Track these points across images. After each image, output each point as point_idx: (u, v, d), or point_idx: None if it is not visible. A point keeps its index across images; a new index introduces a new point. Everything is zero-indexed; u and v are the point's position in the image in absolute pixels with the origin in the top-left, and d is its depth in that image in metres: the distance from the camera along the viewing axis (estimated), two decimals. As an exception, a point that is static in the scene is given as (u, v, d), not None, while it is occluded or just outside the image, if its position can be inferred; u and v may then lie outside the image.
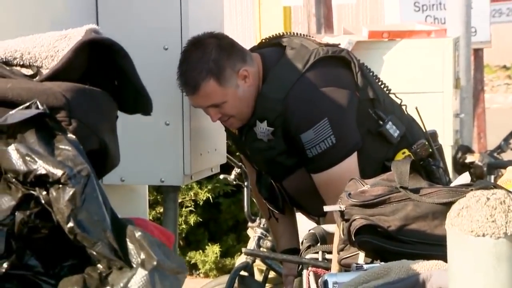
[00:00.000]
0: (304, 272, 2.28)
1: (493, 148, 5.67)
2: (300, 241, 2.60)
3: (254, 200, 3.93)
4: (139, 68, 1.68)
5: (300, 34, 2.91)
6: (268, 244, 4.06)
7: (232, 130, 2.90)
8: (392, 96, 2.94)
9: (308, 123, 2.68)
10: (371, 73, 2.89)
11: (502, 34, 12.69)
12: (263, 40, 2.95)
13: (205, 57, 2.66)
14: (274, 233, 3.28)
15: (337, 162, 2.71)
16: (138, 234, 1.37)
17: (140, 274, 1.34)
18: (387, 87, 2.94)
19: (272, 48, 2.85)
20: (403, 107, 2.93)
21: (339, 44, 2.90)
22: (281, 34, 2.89)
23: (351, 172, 2.65)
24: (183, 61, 2.68)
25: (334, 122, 2.68)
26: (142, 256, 1.36)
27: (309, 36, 2.96)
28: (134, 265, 1.35)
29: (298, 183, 2.83)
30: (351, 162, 2.72)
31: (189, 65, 2.67)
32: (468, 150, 5.47)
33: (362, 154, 2.75)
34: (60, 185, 1.35)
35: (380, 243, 1.95)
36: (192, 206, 5.68)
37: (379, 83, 2.91)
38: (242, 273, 3.89)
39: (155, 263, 1.34)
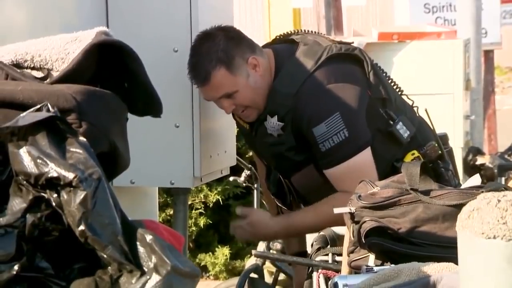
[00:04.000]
0: (314, 274, 2.28)
1: (504, 149, 5.66)
2: (310, 243, 2.60)
3: (264, 202, 3.94)
4: (149, 70, 1.68)
5: (314, 31, 2.92)
6: (278, 246, 4.06)
7: (243, 124, 2.91)
8: (404, 97, 2.93)
9: (320, 117, 2.68)
10: (383, 73, 2.89)
11: (512, 35, 12.65)
12: (277, 37, 2.96)
13: (214, 48, 2.68)
14: None
15: (351, 155, 2.70)
16: (149, 237, 1.37)
17: (155, 279, 1.34)
18: (399, 87, 2.94)
19: (285, 44, 2.86)
20: (415, 109, 2.93)
21: (352, 43, 2.91)
22: (295, 31, 2.91)
23: (367, 166, 2.65)
24: (193, 55, 2.70)
25: (346, 117, 2.68)
26: (154, 260, 1.36)
27: (323, 34, 2.96)
28: (146, 269, 1.35)
29: (306, 179, 2.83)
30: (366, 156, 2.71)
31: (198, 57, 2.69)
32: (478, 152, 5.46)
33: (371, 153, 2.75)
34: (72, 188, 1.35)
35: (390, 245, 1.95)
36: (202, 208, 5.68)
37: (391, 83, 2.91)
38: (252, 275, 3.89)
39: (169, 268, 1.34)
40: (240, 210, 2.95)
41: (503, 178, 5.11)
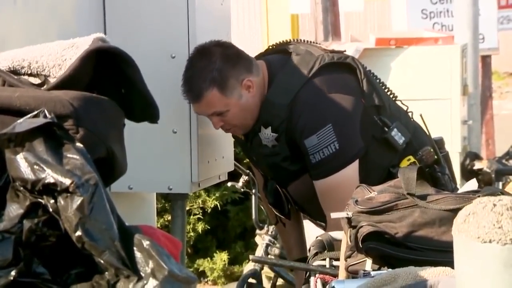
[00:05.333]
0: (312, 279, 2.28)
1: (502, 154, 5.66)
2: (308, 248, 2.60)
3: (262, 207, 3.94)
4: (147, 77, 1.69)
5: (307, 41, 2.92)
6: (276, 251, 4.06)
7: (239, 136, 2.92)
8: (398, 102, 2.94)
9: (312, 129, 2.69)
10: (377, 80, 2.89)
11: (510, 40, 12.67)
12: (270, 47, 2.96)
13: (210, 66, 2.68)
14: (282, 238, 3.30)
15: (337, 169, 2.71)
16: (146, 243, 1.38)
17: (152, 284, 1.34)
18: (393, 93, 2.94)
19: (278, 54, 2.86)
20: (409, 114, 2.93)
21: (345, 51, 2.91)
22: (288, 41, 2.91)
23: (350, 181, 2.65)
24: (188, 69, 2.70)
25: (338, 128, 2.68)
26: (151, 265, 1.36)
27: (316, 42, 2.97)
28: (143, 274, 1.36)
29: (302, 188, 2.83)
30: (352, 170, 2.72)
31: (193, 72, 2.69)
32: (476, 156, 5.46)
33: (367, 161, 2.76)
34: (68, 194, 1.35)
35: (387, 249, 1.95)
36: (200, 213, 5.68)
37: (385, 90, 2.91)
38: (251, 280, 3.90)
39: (166, 273, 1.35)
40: None
41: (500, 183, 5.11)
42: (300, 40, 2.91)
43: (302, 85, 2.72)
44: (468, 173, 5.23)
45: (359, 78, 2.78)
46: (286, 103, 2.72)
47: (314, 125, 2.69)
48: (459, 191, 2.21)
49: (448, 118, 5.27)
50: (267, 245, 4.11)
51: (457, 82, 5.34)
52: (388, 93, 2.92)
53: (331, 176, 2.71)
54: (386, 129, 2.79)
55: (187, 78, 2.70)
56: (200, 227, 5.68)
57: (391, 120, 2.80)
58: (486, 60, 8.36)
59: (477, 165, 5.30)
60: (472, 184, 2.20)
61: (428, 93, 5.21)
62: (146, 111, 1.71)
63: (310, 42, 2.90)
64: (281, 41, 2.92)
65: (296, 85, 2.72)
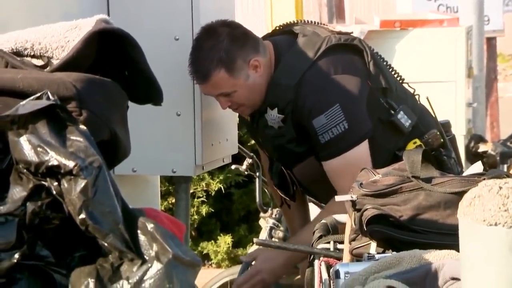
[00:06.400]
0: (316, 262, 2.28)
1: (506, 137, 5.65)
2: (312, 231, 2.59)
3: (266, 190, 3.93)
4: (150, 59, 1.68)
5: (313, 22, 2.91)
6: (280, 234, 4.05)
7: (245, 116, 2.91)
8: (405, 85, 2.93)
9: (320, 109, 2.68)
10: (384, 62, 2.88)
11: (515, 22, 12.60)
12: (277, 28, 2.95)
13: (217, 46, 2.67)
14: (287, 220, 3.30)
15: (349, 148, 2.70)
16: (150, 226, 1.37)
17: (156, 267, 1.34)
18: (400, 76, 2.93)
19: (285, 35, 2.85)
20: (416, 97, 2.92)
21: (352, 33, 2.90)
22: (294, 22, 2.90)
23: (363, 159, 2.65)
24: (195, 49, 2.69)
25: (346, 108, 2.68)
26: (155, 248, 1.35)
27: (323, 24, 2.95)
28: (147, 257, 1.35)
29: (308, 170, 2.83)
30: (363, 149, 2.71)
31: (200, 53, 2.67)
32: (481, 139, 5.45)
33: (373, 144, 2.75)
34: (72, 177, 1.35)
35: (391, 232, 1.94)
36: (204, 196, 5.68)
37: (392, 72, 2.90)
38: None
39: (170, 256, 1.34)
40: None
41: (505, 165, 5.10)
42: (307, 21, 2.90)
43: (309, 66, 2.71)
44: (472, 156, 5.22)
45: (366, 60, 2.77)
46: (292, 84, 2.71)
47: (322, 105, 2.68)
48: (464, 174, 2.21)
49: (453, 100, 5.26)
50: (271, 228, 4.10)
51: (462, 64, 5.32)
52: (395, 75, 2.90)
53: (341, 156, 2.70)
54: (393, 112, 2.78)
55: (194, 59, 2.69)
56: (204, 210, 5.68)
57: (397, 103, 2.79)
58: (491, 42, 8.33)
59: (482, 147, 5.29)
60: (477, 167, 2.19)
61: (433, 76, 5.20)
62: (150, 93, 1.70)
63: (317, 23, 2.89)
64: (288, 22, 2.91)
65: (303, 66, 2.71)
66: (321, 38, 2.75)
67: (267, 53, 2.77)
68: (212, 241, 5.80)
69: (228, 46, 2.68)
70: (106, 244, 1.36)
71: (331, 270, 1.95)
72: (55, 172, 1.36)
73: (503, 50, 15.51)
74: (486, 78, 7.58)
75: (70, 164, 1.35)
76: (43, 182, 1.38)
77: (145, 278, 1.34)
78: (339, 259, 2.17)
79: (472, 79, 5.70)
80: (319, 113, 2.68)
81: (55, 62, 1.57)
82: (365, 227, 1.96)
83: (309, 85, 2.70)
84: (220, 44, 2.67)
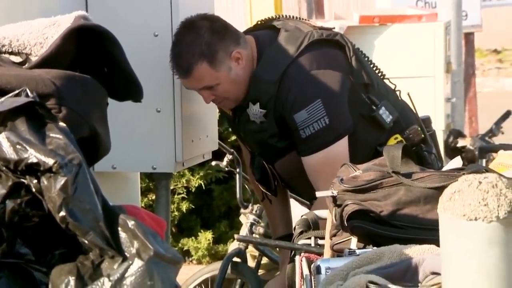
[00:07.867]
0: (297, 257, 2.28)
1: (485, 132, 5.68)
2: (293, 226, 2.60)
3: (246, 186, 3.93)
4: (129, 55, 1.67)
5: (295, 17, 2.91)
6: (261, 230, 4.06)
7: (226, 111, 2.91)
8: (386, 81, 2.94)
9: (301, 104, 2.69)
10: (365, 58, 2.89)
11: (492, 18, 12.69)
12: (258, 22, 2.94)
13: (198, 40, 2.66)
14: (268, 215, 3.30)
15: (329, 144, 2.71)
16: (131, 223, 1.37)
17: (137, 264, 1.34)
18: (382, 72, 2.94)
19: (266, 30, 2.85)
20: (397, 93, 2.93)
21: (334, 28, 2.90)
22: (276, 16, 2.90)
23: (342, 156, 2.66)
24: (176, 44, 2.68)
25: (327, 104, 2.68)
26: (136, 245, 1.35)
27: (305, 19, 2.96)
28: (128, 255, 1.35)
29: (289, 165, 2.83)
30: (342, 146, 2.72)
31: (181, 47, 2.67)
32: (459, 134, 5.48)
33: (354, 139, 2.76)
34: (52, 174, 1.34)
35: (372, 228, 1.95)
36: (184, 193, 5.67)
37: (374, 68, 2.91)
38: (235, 259, 3.89)
39: (151, 253, 1.34)
40: None
41: (484, 160, 5.12)
42: (289, 16, 2.90)
43: (291, 61, 2.71)
44: (451, 151, 5.24)
45: (348, 55, 2.78)
46: (274, 79, 2.71)
47: (303, 100, 2.69)
48: (443, 169, 2.22)
49: (432, 95, 5.28)
50: (252, 224, 4.10)
51: (441, 59, 5.34)
52: (377, 71, 2.92)
53: (320, 151, 2.71)
54: (374, 108, 2.79)
55: (175, 54, 2.68)
56: (184, 206, 5.67)
57: (379, 98, 2.80)
58: (469, 38, 8.36)
59: (461, 142, 5.31)
60: (457, 162, 2.20)
61: (412, 71, 5.21)
62: (130, 90, 1.70)
63: (299, 18, 2.90)
64: (270, 17, 2.91)
65: (285, 61, 2.71)
66: (303, 33, 2.75)
67: (249, 46, 2.77)
68: (193, 238, 5.79)
69: (209, 39, 2.68)
70: (86, 242, 1.35)
71: (312, 266, 1.96)
72: (35, 169, 1.36)
73: (481, 46, 15.59)
74: (464, 73, 7.61)
75: (50, 161, 1.34)
76: (23, 180, 1.37)
77: (126, 275, 1.33)
78: (320, 254, 2.18)
79: (450, 74, 5.72)
80: (300, 108, 2.69)
81: (34, 59, 1.56)
82: (345, 223, 1.96)
83: (291, 80, 2.70)
84: (200, 38, 2.67)
